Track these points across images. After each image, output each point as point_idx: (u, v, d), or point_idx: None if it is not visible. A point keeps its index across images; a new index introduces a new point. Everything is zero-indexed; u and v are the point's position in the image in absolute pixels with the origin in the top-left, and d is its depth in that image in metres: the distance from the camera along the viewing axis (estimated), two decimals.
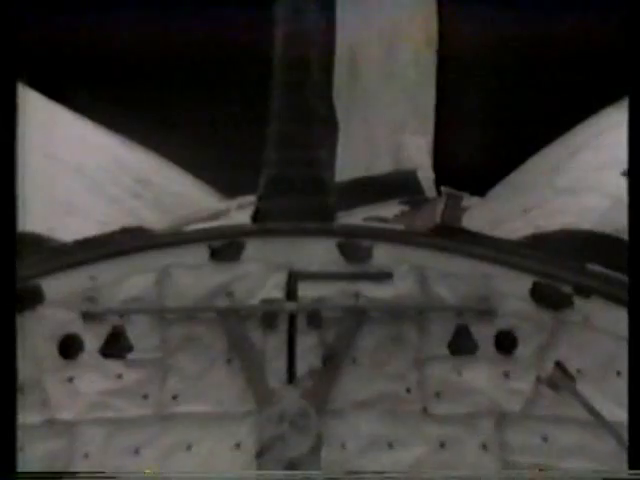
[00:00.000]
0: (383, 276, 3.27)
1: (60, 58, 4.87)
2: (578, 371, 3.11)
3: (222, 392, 3.23)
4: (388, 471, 3.17)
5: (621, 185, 3.32)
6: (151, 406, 3.19)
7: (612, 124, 3.91)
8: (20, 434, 3.04)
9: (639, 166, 2.84)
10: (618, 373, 3.02)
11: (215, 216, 3.77)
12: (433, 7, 4.33)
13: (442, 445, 3.25)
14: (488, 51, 4.52)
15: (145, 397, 3.20)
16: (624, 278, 3.13)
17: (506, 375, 3.21)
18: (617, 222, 3.23)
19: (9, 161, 2.76)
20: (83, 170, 3.65)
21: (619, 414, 2.99)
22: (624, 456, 2.93)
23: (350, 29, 3.71)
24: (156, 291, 3.21)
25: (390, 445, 3.25)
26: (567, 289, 3.14)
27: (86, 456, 3.08)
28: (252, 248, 3.26)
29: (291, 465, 3.19)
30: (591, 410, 3.00)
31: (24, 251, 3.16)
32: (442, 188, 4.07)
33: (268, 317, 3.25)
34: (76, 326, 3.15)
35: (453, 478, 3.16)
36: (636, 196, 2.84)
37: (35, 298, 3.12)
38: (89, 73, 4.72)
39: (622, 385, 3.06)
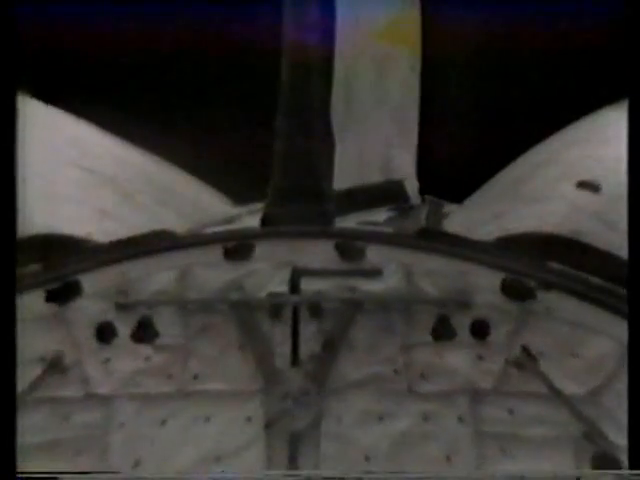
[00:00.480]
0: (374, 273, 3.66)
1: (73, 71, 5.23)
2: (540, 353, 3.51)
3: (235, 373, 3.62)
4: (390, 471, 3.42)
5: (576, 194, 3.74)
6: (175, 384, 3.60)
7: (570, 142, 4.29)
8: (64, 406, 3.52)
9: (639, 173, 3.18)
10: (573, 355, 3.46)
11: (229, 221, 4.13)
12: (418, 34, 4.70)
13: (425, 418, 3.66)
14: (464, 78, 4.94)
15: (170, 377, 3.61)
16: (580, 274, 3.58)
17: (480, 358, 3.61)
18: (573, 226, 3.62)
19: (9, 168, 3.08)
20: (116, 181, 4.06)
21: (574, 389, 3.44)
22: (577, 424, 3.40)
23: (346, 58, 4.10)
24: (178, 285, 3.61)
25: (380, 418, 3.66)
26: (531, 284, 3.54)
27: (121, 425, 3.53)
28: (261, 249, 3.65)
29: (295, 436, 3.65)
30: (550, 386, 3.44)
31: (65, 251, 3.61)
32: (426, 196, 4.47)
33: (274, 308, 3.63)
34: (110, 315, 3.55)
35: (453, 478, 3.50)
36: (636, 204, 3.20)
37: (75, 291, 3.52)
38: (108, 87, 5.10)
39: (576, 364, 3.48)
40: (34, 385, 3.39)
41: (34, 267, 3.46)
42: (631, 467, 3.04)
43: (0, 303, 3.02)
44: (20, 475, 2.98)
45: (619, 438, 3.32)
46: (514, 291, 3.56)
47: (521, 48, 5.43)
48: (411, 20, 5.04)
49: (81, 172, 3.84)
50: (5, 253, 3.09)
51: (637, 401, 3.02)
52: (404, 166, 4.18)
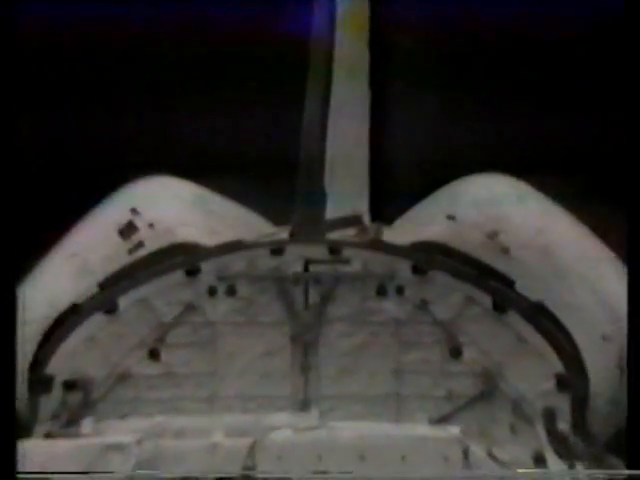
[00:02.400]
0: (347, 261, 6.89)
1: None
2: (429, 301, 6.74)
3: (276, 312, 6.82)
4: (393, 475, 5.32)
5: (446, 222, 7.01)
6: (246, 317, 6.79)
7: (445, 193, 7.58)
8: (194, 326, 6.78)
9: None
10: (444, 301, 6.70)
11: (272, 235, 7.32)
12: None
13: (372, 333, 6.78)
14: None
15: (244, 313, 6.79)
16: (449, 261, 6.84)
17: (400, 304, 6.79)
18: (447, 238, 6.91)
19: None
20: (217, 214, 7.39)
21: (443, 316, 6.68)
22: (443, 333, 6.67)
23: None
24: (247, 268, 6.82)
25: (349, 335, 6.80)
26: (426, 266, 6.86)
27: (222, 334, 6.75)
28: (289, 249, 6.87)
29: (306, 344, 6.85)
30: (433, 316, 6.76)
31: (194, 250, 6.89)
32: (373, 222, 7.77)
33: (296, 280, 6.85)
34: (215, 282, 6.78)
35: (451, 477, 4.90)
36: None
37: (198, 270, 6.75)
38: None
39: (445, 305, 6.75)
40: (180, 315, 6.71)
41: (180, 258, 6.79)
42: (631, 467, 3.61)
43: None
44: (20, 475, 3.39)
45: (463, 339, 6.66)
46: (417, 270, 6.81)
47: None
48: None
49: (201, 212, 7.21)
50: (5, 249, 4.04)
51: (637, 401, 3.83)
52: (362, 206, 7.47)
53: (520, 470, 5.04)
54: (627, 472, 3.56)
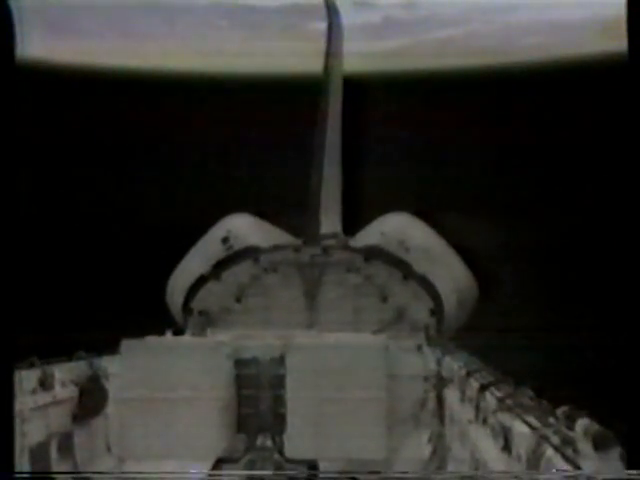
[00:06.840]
0: (331, 255, 13.11)
1: None
2: (372, 274, 12.90)
3: (297, 280, 13.00)
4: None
5: (380, 238, 13.15)
6: (283, 282, 12.97)
7: (380, 221, 13.77)
8: (255, 287, 12.89)
9: None
10: (378, 273, 12.80)
11: (294, 242, 13.49)
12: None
13: (343, 291, 12.99)
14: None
15: (282, 280, 12.98)
16: (381, 255, 12.94)
17: (357, 276, 12.98)
18: (380, 244, 13.03)
19: None
20: (269, 233, 13.52)
21: (379, 282, 12.79)
22: (377, 290, 12.75)
23: None
24: (283, 258, 13.01)
25: (332, 292, 12.99)
26: (370, 257, 12.95)
27: (271, 290, 12.86)
28: (303, 249, 13.11)
29: (312, 296, 12.93)
30: (373, 281, 12.83)
31: (256, 250, 12.97)
32: (344, 236, 13.86)
33: (306, 264, 13.05)
34: (267, 265, 12.96)
35: (451, 477, 5.64)
36: None
37: (258, 260, 12.90)
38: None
39: (378, 276, 12.84)
40: (250, 281, 12.77)
41: (251, 254, 12.85)
42: (631, 467, 3.53)
43: None
44: (18, 475, 3.32)
45: (387, 293, 12.72)
46: (366, 259, 13.01)
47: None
48: None
49: (260, 230, 13.34)
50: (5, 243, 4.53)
51: (637, 402, 3.84)
52: (337, 228, 13.65)
53: (522, 470, 5.33)
54: (627, 472, 3.51)
